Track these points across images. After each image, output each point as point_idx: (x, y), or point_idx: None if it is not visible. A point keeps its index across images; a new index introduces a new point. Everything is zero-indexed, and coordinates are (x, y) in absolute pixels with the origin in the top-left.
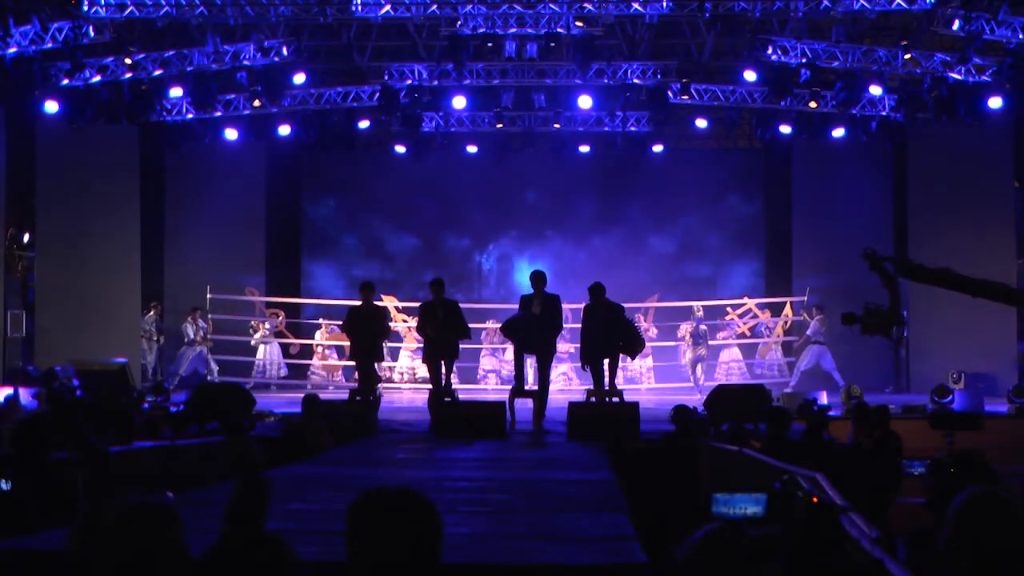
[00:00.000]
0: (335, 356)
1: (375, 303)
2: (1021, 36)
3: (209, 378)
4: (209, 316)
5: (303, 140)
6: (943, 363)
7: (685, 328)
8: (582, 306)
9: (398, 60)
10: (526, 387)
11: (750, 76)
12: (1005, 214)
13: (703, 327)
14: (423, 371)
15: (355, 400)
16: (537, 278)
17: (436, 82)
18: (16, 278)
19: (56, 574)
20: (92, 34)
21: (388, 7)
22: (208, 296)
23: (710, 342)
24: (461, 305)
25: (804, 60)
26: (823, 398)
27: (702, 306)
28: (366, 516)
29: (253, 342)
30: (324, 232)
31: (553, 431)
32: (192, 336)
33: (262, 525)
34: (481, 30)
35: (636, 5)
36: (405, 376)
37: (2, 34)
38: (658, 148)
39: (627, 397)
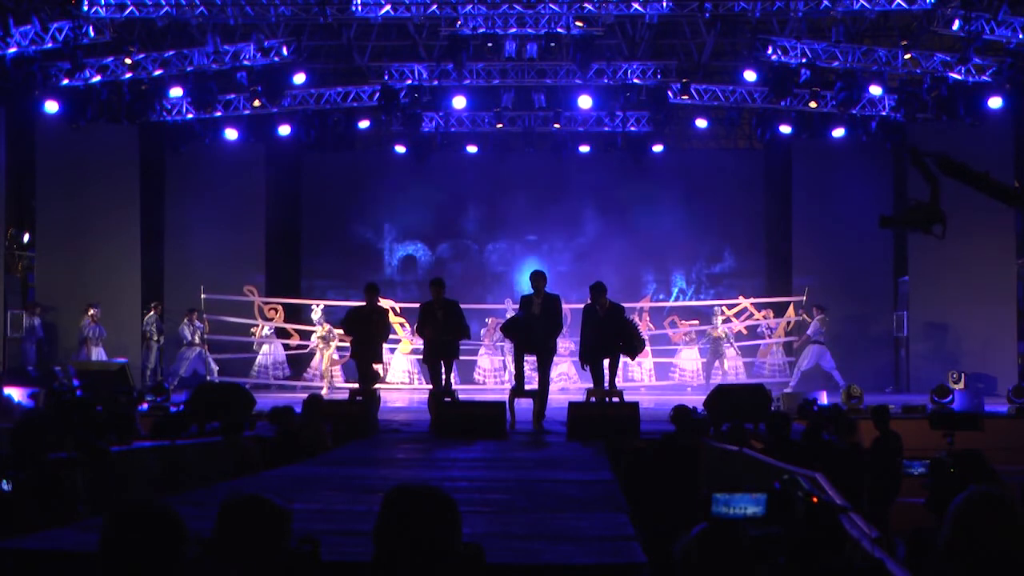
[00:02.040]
0: (336, 356)
1: (378, 304)
2: (1021, 36)
3: (209, 378)
4: (205, 316)
5: (303, 140)
6: (943, 363)
7: (709, 330)
8: (582, 306)
9: (398, 60)
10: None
11: (750, 76)
12: (1005, 214)
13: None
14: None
15: (355, 400)
16: (537, 278)
17: (436, 82)
18: (16, 278)
19: (54, 574)
20: (92, 34)
21: (388, 7)
22: (202, 296)
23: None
24: (461, 305)
25: (804, 60)
26: (823, 398)
27: (697, 306)
28: (399, 512)
29: (255, 345)
30: (324, 232)
31: (553, 431)
32: (189, 337)
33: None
34: (481, 30)
35: (636, 5)
36: (401, 377)
37: (2, 34)
38: (658, 148)
39: (627, 397)
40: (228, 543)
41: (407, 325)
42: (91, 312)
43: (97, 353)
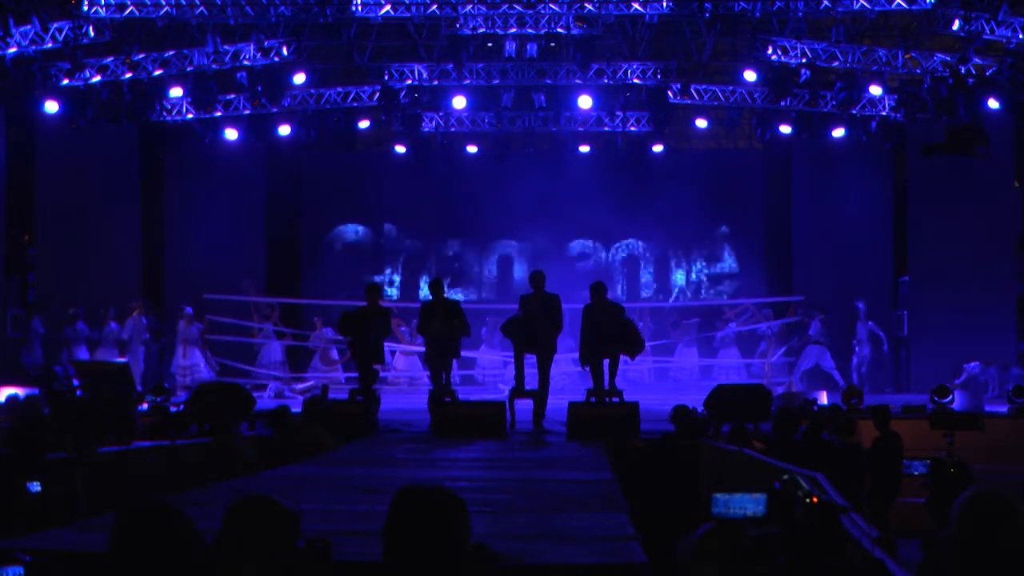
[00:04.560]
0: (335, 355)
1: (379, 304)
2: (1021, 36)
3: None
4: (206, 317)
5: (303, 140)
6: (943, 363)
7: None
8: (581, 306)
9: (398, 60)
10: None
11: (750, 76)
12: (1005, 214)
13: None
14: (419, 372)
15: (355, 400)
16: (536, 278)
17: (436, 82)
18: (16, 278)
19: (54, 573)
20: (92, 34)
21: (388, 7)
22: (205, 297)
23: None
24: (461, 305)
25: (804, 60)
26: (823, 398)
27: (698, 306)
28: (409, 512)
29: (255, 346)
30: (324, 232)
31: (553, 431)
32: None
33: None
34: (481, 30)
35: (636, 5)
36: (401, 378)
37: (2, 34)
38: (658, 148)
39: (627, 397)
40: (236, 544)
41: (406, 326)
42: (188, 314)
43: (191, 353)
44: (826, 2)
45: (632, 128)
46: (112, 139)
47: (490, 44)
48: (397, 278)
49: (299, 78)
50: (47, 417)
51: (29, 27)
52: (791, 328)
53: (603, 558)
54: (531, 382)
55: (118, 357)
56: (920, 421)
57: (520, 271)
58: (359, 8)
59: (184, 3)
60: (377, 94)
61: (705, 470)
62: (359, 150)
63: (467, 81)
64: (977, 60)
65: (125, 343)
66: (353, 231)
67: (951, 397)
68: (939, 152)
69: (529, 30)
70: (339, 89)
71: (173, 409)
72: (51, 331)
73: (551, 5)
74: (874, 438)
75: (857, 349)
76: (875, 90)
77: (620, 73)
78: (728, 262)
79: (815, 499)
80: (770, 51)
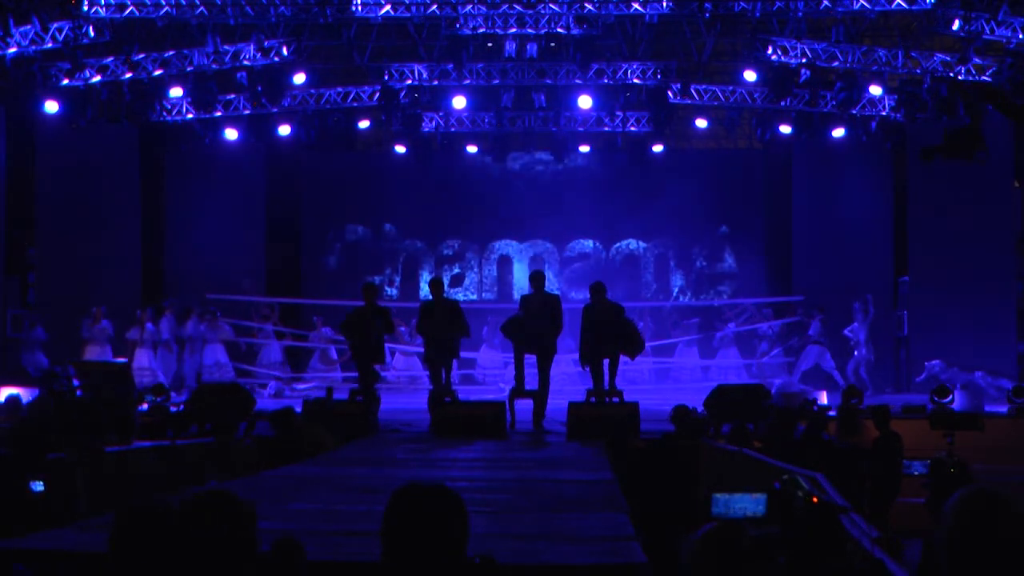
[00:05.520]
0: (334, 355)
1: (377, 303)
2: (1021, 36)
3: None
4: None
5: (303, 140)
6: (943, 364)
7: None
8: (582, 306)
9: (398, 60)
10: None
11: (750, 76)
12: (1005, 214)
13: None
14: (418, 371)
15: (355, 400)
16: (536, 278)
17: (436, 82)
18: (16, 278)
19: (54, 573)
20: (92, 34)
21: (388, 7)
22: (207, 298)
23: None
24: (461, 305)
25: (804, 60)
26: (823, 398)
27: (698, 306)
28: (407, 511)
29: (256, 348)
30: (323, 232)
31: (553, 431)
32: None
33: None
34: (481, 30)
35: (636, 5)
36: (401, 378)
37: (2, 34)
38: (658, 148)
39: (627, 397)
40: (191, 540)
41: (405, 326)
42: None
43: (223, 352)
44: (826, 2)
45: (632, 128)
46: (112, 139)
47: (490, 44)
48: (397, 278)
49: (299, 78)
50: (53, 418)
51: (29, 27)
52: (791, 328)
53: (603, 558)
54: (531, 382)
55: (153, 357)
56: (920, 421)
57: (520, 271)
58: (359, 8)
59: (184, 3)
60: (377, 94)
61: (705, 470)
62: (359, 150)
63: (467, 81)
64: (977, 60)
65: (167, 343)
66: (353, 231)
67: (951, 397)
68: (938, 156)
69: (529, 30)
70: (339, 89)
71: (173, 409)
72: (56, 332)
73: (551, 5)
74: (874, 438)
75: (856, 352)
76: (875, 90)
77: (620, 73)
78: (728, 262)
79: (815, 499)
80: (770, 51)
